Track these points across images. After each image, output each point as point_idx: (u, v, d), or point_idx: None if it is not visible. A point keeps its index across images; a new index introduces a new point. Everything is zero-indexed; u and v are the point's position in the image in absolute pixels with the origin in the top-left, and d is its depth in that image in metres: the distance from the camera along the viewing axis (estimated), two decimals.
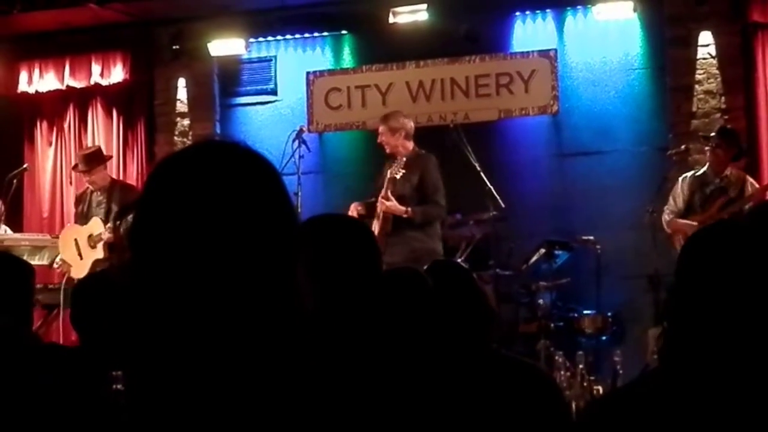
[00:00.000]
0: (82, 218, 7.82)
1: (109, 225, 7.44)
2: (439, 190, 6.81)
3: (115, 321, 2.96)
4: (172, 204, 1.27)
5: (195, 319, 1.23)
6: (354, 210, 6.87)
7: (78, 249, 7.61)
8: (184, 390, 1.23)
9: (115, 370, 2.57)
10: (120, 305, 2.96)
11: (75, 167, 8.30)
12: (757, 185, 7.19)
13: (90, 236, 7.57)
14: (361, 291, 2.35)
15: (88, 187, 7.93)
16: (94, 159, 7.81)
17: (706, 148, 7.26)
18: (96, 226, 7.57)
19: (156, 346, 1.25)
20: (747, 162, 7.60)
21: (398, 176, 6.69)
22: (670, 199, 7.29)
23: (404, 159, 6.75)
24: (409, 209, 6.69)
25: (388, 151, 6.94)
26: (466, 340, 2.62)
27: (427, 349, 2.42)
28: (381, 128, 6.98)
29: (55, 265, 7.76)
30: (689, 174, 7.30)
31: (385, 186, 6.74)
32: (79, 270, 7.34)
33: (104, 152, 8.16)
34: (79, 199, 8.07)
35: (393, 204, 6.71)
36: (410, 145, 6.93)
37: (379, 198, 6.77)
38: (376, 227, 6.80)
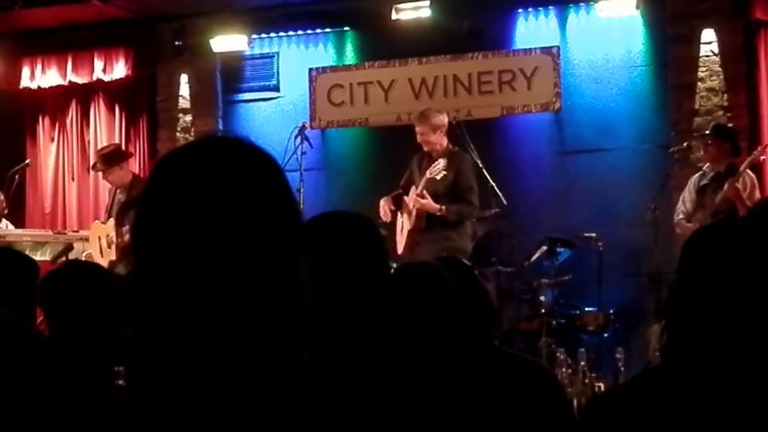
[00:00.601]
0: (106, 216, 7.85)
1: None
2: (473, 190, 6.76)
3: (84, 311, 2.94)
4: (174, 200, 1.27)
5: (196, 315, 1.23)
6: (385, 206, 6.87)
7: (101, 248, 7.62)
8: (184, 387, 1.23)
9: (117, 366, 2.57)
10: (86, 296, 2.94)
11: (94, 166, 8.29)
12: (750, 173, 7.08)
13: (108, 236, 7.59)
14: (362, 287, 2.35)
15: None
16: (111, 158, 7.78)
17: (701, 145, 7.26)
18: (111, 226, 7.58)
19: (157, 342, 1.25)
20: None
21: (439, 177, 6.62)
22: (680, 201, 7.30)
23: (444, 160, 6.64)
24: (443, 207, 6.65)
25: (426, 149, 6.86)
26: (467, 338, 2.62)
27: (428, 347, 2.42)
28: (421, 127, 6.85)
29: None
30: (695, 175, 7.29)
31: (422, 184, 6.69)
32: None
33: (123, 150, 8.09)
34: (108, 196, 8.10)
35: (428, 202, 6.65)
36: (445, 141, 6.89)
37: (414, 196, 6.73)
38: (405, 221, 6.80)
